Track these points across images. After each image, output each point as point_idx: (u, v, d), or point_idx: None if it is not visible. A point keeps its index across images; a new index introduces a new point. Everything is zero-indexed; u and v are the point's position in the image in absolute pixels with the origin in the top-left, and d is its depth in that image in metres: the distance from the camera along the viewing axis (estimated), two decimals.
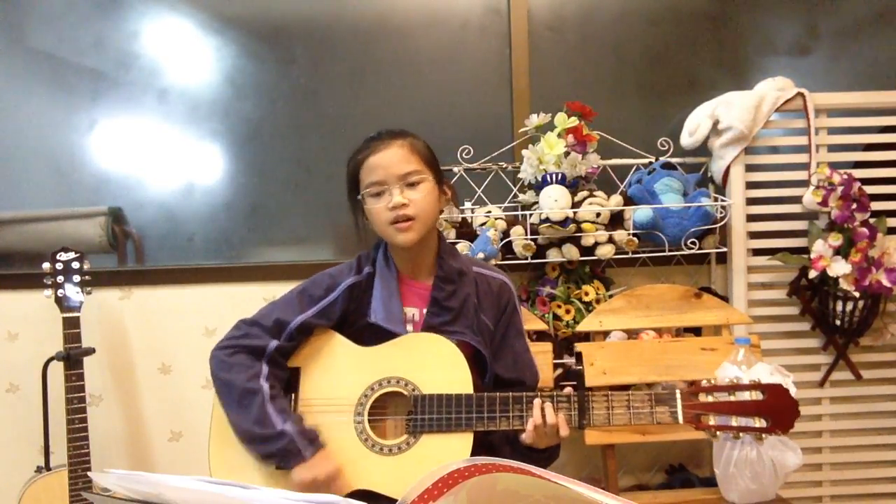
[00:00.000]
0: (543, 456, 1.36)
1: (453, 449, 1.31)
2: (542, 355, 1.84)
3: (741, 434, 1.26)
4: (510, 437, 1.39)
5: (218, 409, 1.40)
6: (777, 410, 1.24)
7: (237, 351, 1.38)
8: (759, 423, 1.24)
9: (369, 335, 1.42)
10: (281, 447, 1.30)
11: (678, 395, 1.29)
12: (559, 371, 1.96)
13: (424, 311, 1.44)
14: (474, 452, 1.33)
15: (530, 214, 1.97)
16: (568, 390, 1.35)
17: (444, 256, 1.45)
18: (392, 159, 1.36)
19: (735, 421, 1.25)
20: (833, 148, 2.14)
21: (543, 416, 1.30)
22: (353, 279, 1.44)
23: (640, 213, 1.97)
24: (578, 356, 1.42)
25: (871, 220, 2.01)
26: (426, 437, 1.33)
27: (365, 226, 1.45)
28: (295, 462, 1.30)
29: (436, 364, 1.36)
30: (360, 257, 1.49)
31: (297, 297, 1.44)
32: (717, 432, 1.27)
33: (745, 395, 1.26)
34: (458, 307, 1.41)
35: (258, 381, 1.34)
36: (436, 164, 1.43)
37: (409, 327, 1.44)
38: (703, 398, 1.28)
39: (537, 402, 1.31)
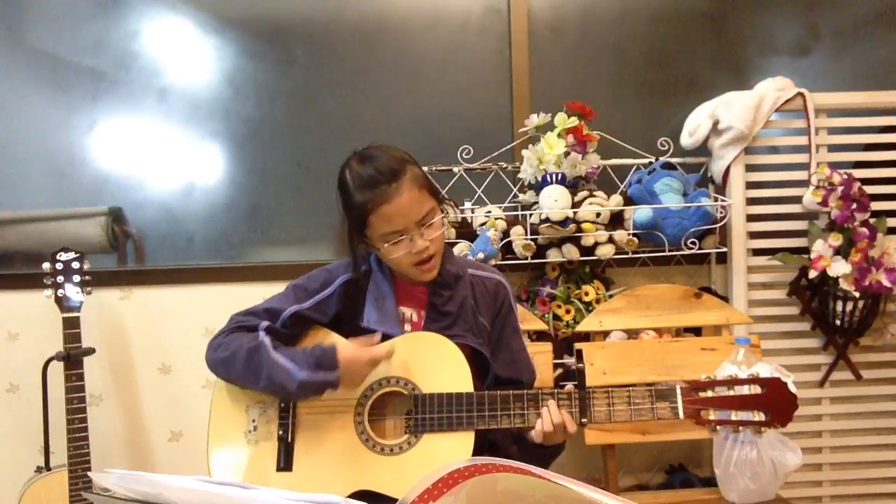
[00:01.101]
0: (549, 451, 1.36)
1: (455, 448, 1.31)
2: (542, 355, 1.84)
3: (741, 428, 1.27)
4: (515, 434, 1.39)
5: (216, 407, 1.40)
6: (776, 404, 1.25)
7: (229, 333, 1.39)
8: (759, 416, 1.25)
9: None
10: (312, 391, 1.31)
11: (678, 391, 1.30)
12: (559, 371, 1.96)
13: (423, 312, 1.43)
14: (478, 451, 1.32)
15: (530, 214, 1.97)
16: (569, 387, 1.34)
17: (441, 262, 1.45)
18: (408, 205, 1.32)
19: (734, 415, 1.26)
20: (833, 148, 2.14)
21: (551, 419, 1.30)
22: (349, 275, 1.44)
23: (640, 213, 1.97)
24: (579, 354, 1.42)
25: (871, 220, 2.01)
26: (427, 437, 1.33)
27: (362, 252, 1.44)
28: (334, 385, 1.30)
29: (435, 363, 1.36)
30: (356, 256, 1.48)
31: (293, 291, 1.44)
32: (717, 427, 1.28)
33: (745, 390, 1.27)
34: (455, 311, 1.41)
35: (257, 339, 1.34)
36: (433, 186, 1.41)
37: (408, 327, 1.44)
38: (702, 393, 1.28)
39: (544, 410, 1.31)
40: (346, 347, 1.33)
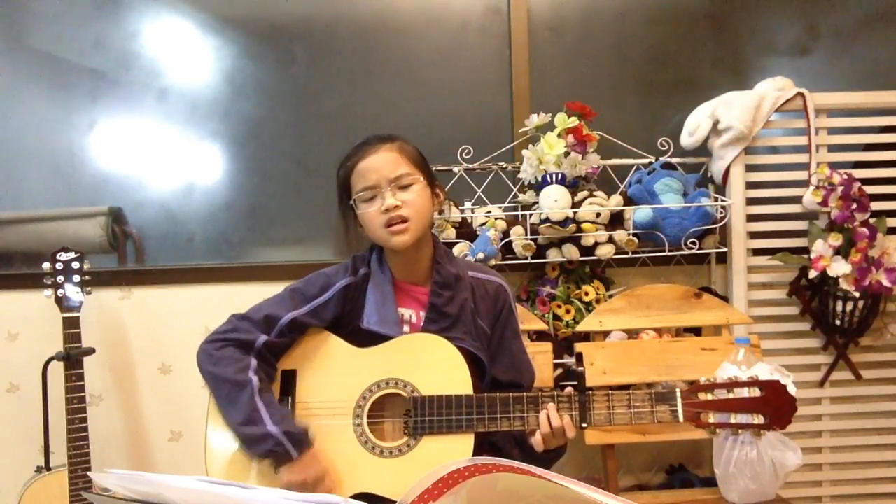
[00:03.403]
0: (551, 455, 1.36)
1: (454, 450, 1.31)
2: (542, 355, 1.84)
3: (740, 431, 1.27)
4: (517, 438, 1.39)
5: (214, 407, 1.39)
6: (775, 407, 1.25)
7: (226, 345, 1.38)
8: (758, 419, 1.25)
9: (364, 339, 1.41)
10: (268, 449, 1.29)
11: (678, 394, 1.30)
12: (559, 371, 1.96)
13: (422, 313, 1.43)
14: (479, 453, 1.32)
15: (530, 214, 1.97)
16: (569, 390, 1.34)
17: (441, 261, 1.44)
18: (382, 162, 1.36)
19: (734, 418, 1.26)
20: (833, 148, 2.14)
21: (550, 423, 1.30)
22: (348, 280, 1.44)
23: (640, 213, 1.97)
24: (579, 357, 1.42)
25: (871, 220, 2.01)
26: (427, 439, 1.32)
27: (356, 232, 1.44)
28: (283, 462, 1.29)
29: (434, 365, 1.35)
30: (354, 258, 1.48)
31: (290, 295, 1.43)
32: (717, 430, 1.28)
33: (744, 392, 1.27)
34: (456, 313, 1.40)
35: (247, 373, 1.33)
36: (426, 167, 1.43)
37: (406, 328, 1.43)
38: (702, 396, 1.29)
39: (543, 414, 1.31)
40: (319, 454, 1.32)
